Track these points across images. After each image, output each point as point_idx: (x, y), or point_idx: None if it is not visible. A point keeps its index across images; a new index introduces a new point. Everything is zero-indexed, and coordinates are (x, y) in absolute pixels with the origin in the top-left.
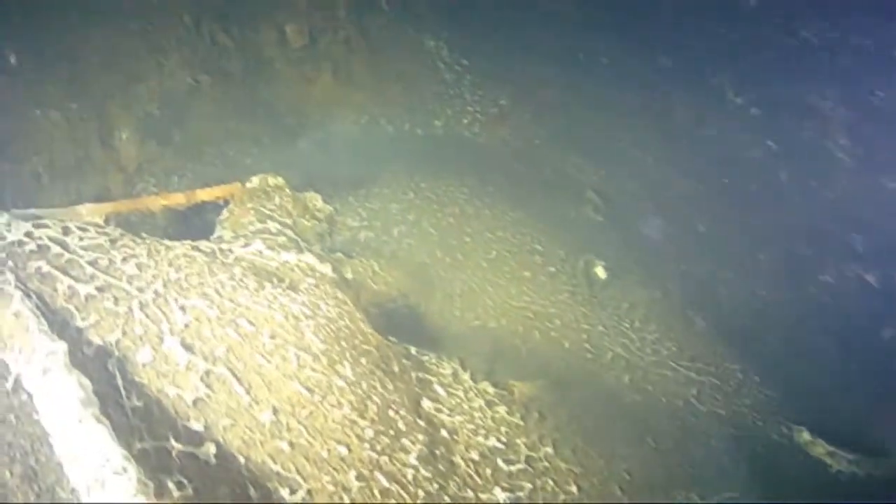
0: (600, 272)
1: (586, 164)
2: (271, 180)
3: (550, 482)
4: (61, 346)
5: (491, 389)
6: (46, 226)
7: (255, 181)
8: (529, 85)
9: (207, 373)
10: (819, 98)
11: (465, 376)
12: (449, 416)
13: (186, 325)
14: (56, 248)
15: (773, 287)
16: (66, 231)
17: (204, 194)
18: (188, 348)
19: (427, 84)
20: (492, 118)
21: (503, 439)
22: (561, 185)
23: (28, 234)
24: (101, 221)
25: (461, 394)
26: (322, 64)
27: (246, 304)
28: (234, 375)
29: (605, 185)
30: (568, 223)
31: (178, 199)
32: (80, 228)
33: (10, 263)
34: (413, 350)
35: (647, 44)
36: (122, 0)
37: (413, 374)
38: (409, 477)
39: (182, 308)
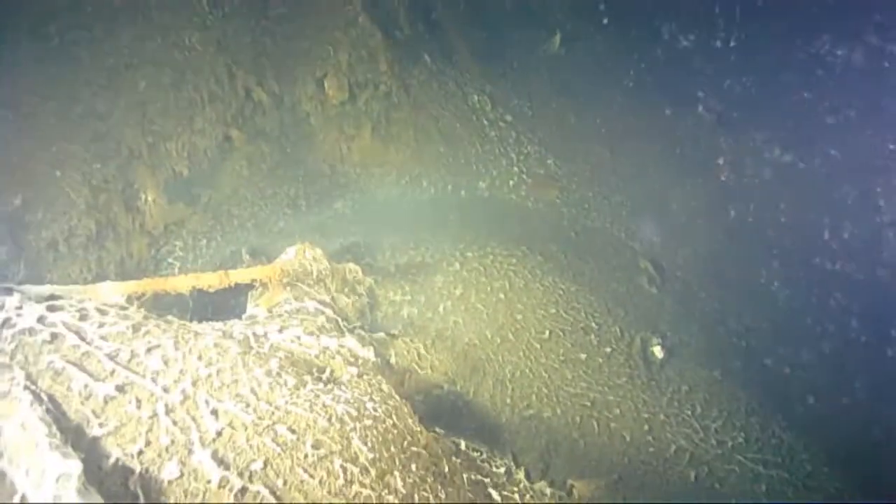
0: (657, 351)
1: (639, 230)
2: (309, 251)
3: None
4: (75, 467)
5: (548, 490)
6: (62, 308)
7: (290, 253)
8: (578, 143)
9: (243, 490)
10: None
11: (520, 475)
12: None
13: (219, 434)
14: (72, 339)
15: (841, 365)
16: (83, 315)
17: (239, 275)
18: (221, 462)
19: (471, 142)
20: (539, 180)
21: None
22: (613, 253)
23: (41, 320)
24: (122, 301)
25: (517, 497)
26: (362, 120)
27: (285, 407)
28: (274, 494)
29: (659, 254)
30: (621, 296)
31: (209, 281)
32: (99, 311)
33: (20, 357)
34: (463, 445)
35: (696, 100)
36: (152, 52)
37: (465, 476)
38: None
39: (214, 412)
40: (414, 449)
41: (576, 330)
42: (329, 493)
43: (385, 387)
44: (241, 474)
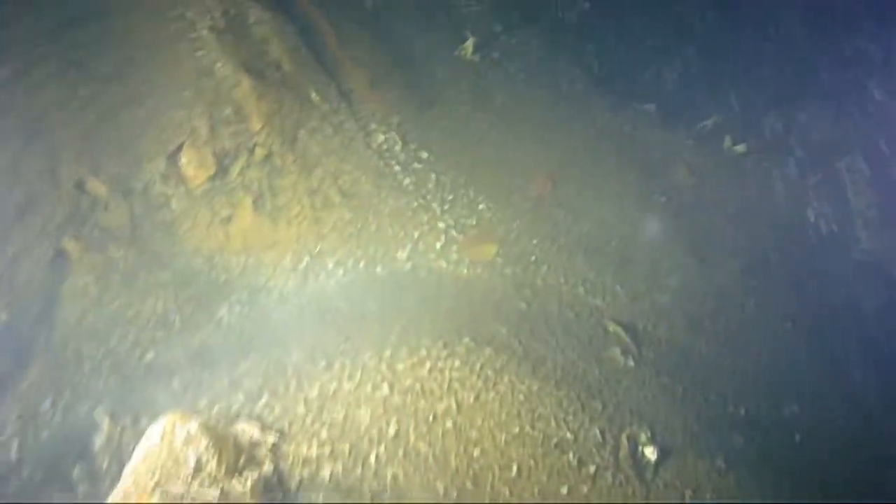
0: (649, 452)
1: (600, 280)
2: (180, 428)
3: None
4: None
5: None
6: None
7: (154, 436)
8: (512, 176)
9: None
10: None
11: None
12: None
13: None
14: None
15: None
16: None
17: None
18: None
19: (381, 198)
20: (472, 235)
21: None
22: (574, 319)
23: None
24: None
25: None
26: (238, 195)
27: None
28: None
29: (628, 310)
30: (595, 382)
31: None
32: None
33: None
34: None
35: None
36: None
37: None
38: None
39: None
40: None
41: (549, 451)
42: None
43: None
44: None
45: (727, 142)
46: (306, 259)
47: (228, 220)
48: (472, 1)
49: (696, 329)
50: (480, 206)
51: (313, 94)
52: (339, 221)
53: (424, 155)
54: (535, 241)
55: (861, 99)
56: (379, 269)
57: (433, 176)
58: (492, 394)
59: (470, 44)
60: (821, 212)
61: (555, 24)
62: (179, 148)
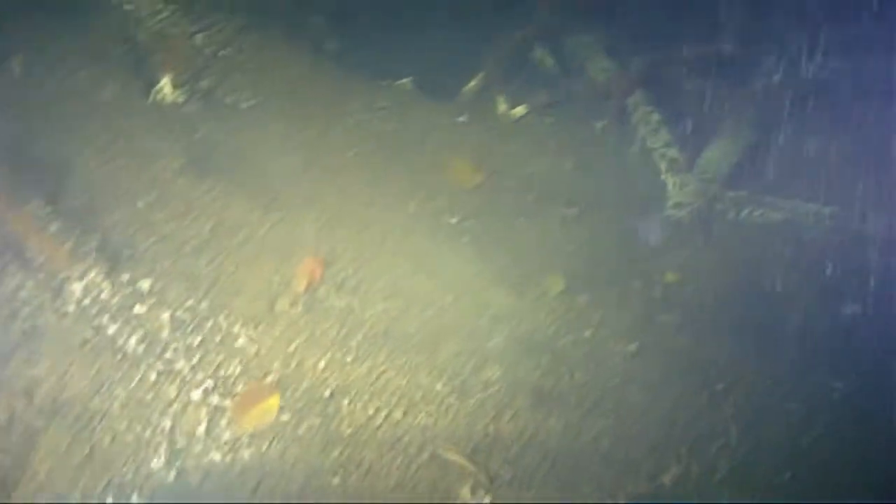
0: None
1: (422, 389)
2: None
3: None
4: None
5: None
6: None
7: None
8: (270, 276)
9: None
10: None
11: None
12: None
13: None
14: None
15: None
16: None
17: None
18: None
19: (99, 391)
20: (242, 394)
21: None
22: (402, 461)
23: None
24: None
25: None
26: None
27: None
28: None
29: (469, 422)
30: None
31: None
32: None
33: None
34: None
35: None
36: None
37: None
38: None
39: None
40: None
41: None
42: None
43: None
44: None
45: (501, 105)
46: None
47: None
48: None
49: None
50: (240, 339)
51: None
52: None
53: (146, 286)
54: (323, 362)
55: None
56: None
57: (165, 316)
58: None
59: (166, 82)
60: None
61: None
62: None
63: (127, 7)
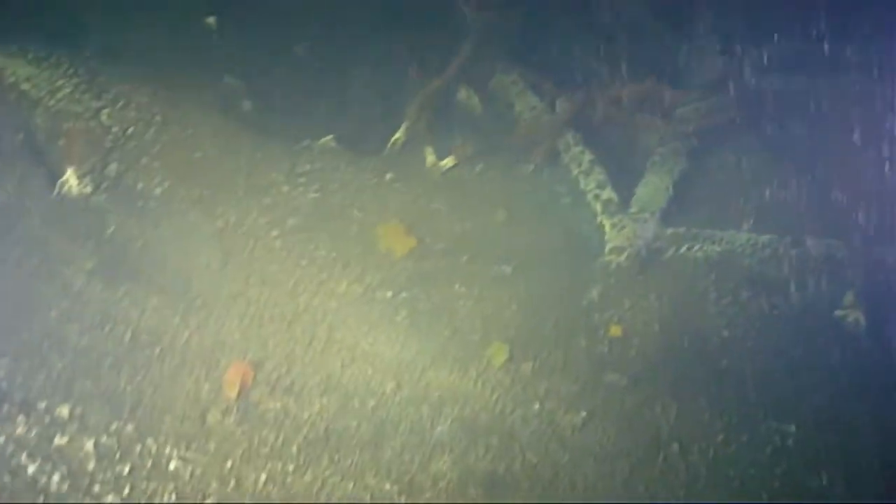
0: None
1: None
2: None
3: None
4: None
5: None
6: None
7: None
8: (188, 406)
9: None
10: None
11: None
12: None
13: None
14: None
15: None
16: None
17: None
18: None
19: None
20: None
21: None
22: None
23: None
24: None
25: None
26: None
27: None
28: None
29: None
30: None
31: None
32: None
33: None
34: None
35: None
36: None
37: None
38: None
39: None
40: None
41: None
42: None
43: None
44: None
45: (429, 157)
46: None
47: None
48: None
49: None
50: (172, 462)
51: None
52: None
53: (65, 412)
54: (264, 476)
55: None
56: None
57: (89, 445)
58: None
59: (71, 173)
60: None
61: None
62: None
63: (24, 87)
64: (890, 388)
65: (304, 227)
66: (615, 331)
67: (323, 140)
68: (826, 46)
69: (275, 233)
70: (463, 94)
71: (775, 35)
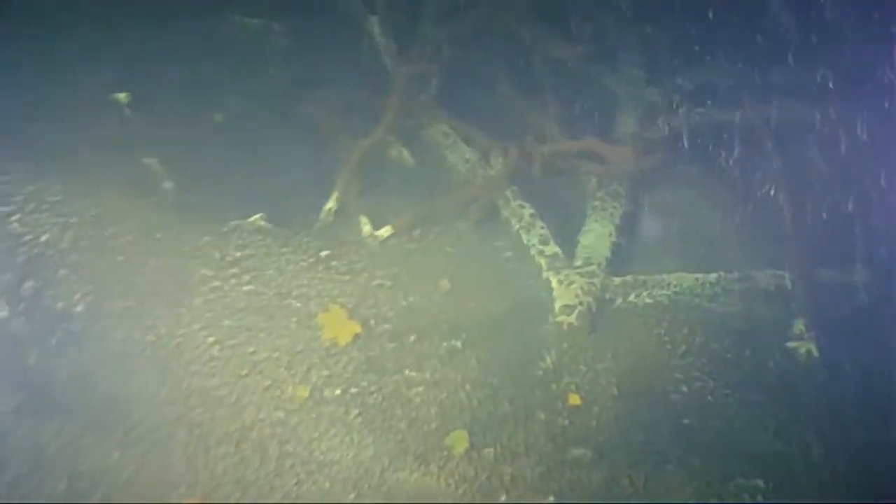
0: None
1: None
2: None
3: None
4: None
5: None
6: None
7: None
8: None
9: None
10: None
11: None
12: None
13: None
14: None
15: None
16: None
17: None
18: None
19: None
20: None
21: None
22: None
23: None
24: None
25: None
26: None
27: None
28: None
29: None
30: None
31: None
32: None
33: None
34: None
35: None
36: None
37: None
38: None
39: None
40: None
41: None
42: None
43: None
44: None
45: (364, 227)
46: None
47: None
48: None
49: None
50: None
51: None
52: None
53: None
54: None
55: None
56: None
57: None
58: None
59: None
60: None
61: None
62: None
63: None
64: (849, 422)
65: (240, 327)
66: (574, 399)
67: (252, 218)
68: (757, 75)
69: (211, 339)
70: (394, 151)
71: (706, 68)
